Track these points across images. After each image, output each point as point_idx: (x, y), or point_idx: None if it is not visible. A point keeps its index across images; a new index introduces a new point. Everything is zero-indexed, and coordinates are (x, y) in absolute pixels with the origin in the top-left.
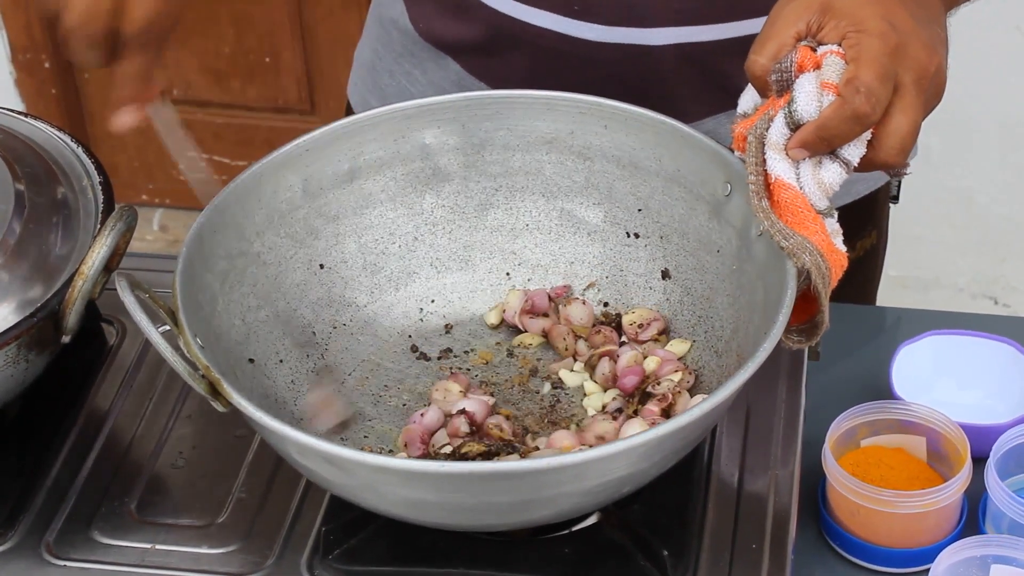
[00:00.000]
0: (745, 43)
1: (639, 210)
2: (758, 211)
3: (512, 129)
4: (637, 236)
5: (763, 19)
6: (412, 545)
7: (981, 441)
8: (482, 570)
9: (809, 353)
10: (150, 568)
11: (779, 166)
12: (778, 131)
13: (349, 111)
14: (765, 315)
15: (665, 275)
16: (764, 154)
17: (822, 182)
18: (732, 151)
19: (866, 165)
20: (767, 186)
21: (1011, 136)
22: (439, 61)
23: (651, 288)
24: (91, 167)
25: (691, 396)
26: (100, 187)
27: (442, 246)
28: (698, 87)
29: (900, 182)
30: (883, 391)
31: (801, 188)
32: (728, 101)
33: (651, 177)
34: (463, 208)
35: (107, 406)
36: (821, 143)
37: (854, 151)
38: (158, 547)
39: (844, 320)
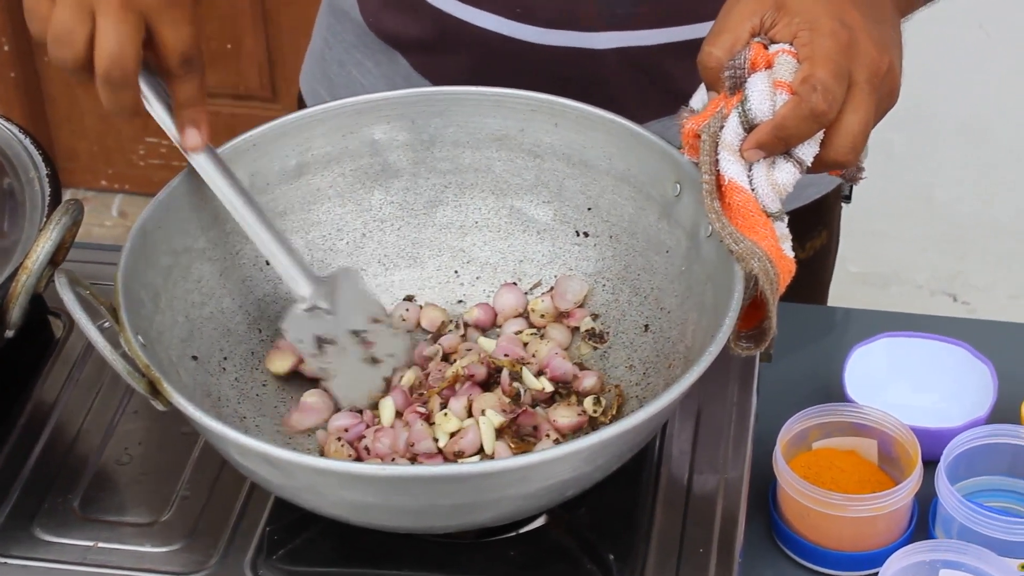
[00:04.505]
0: (689, 47)
1: (589, 209)
2: (710, 212)
3: (462, 126)
4: (587, 235)
5: (706, 24)
6: (357, 546)
7: (933, 444)
8: (427, 572)
9: (761, 354)
10: (92, 566)
11: (732, 168)
12: (732, 131)
13: (301, 99)
14: (713, 317)
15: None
16: (718, 154)
17: (776, 183)
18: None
19: (817, 164)
20: (719, 187)
21: (973, 133)
22: (389, 55)
23: (600, 287)
24: (39, 158)
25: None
26: (48, 179)
27: (390, 243)
28: (642, 90)
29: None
30: (836, 393)
31: (754, 190)
32: (674, 104)
33: (601, 176)
34: (412, 205)
35: (52, 400)
36: (778, 143)
37: (808, 150)
38: (101, 545)
39: (797, 320)
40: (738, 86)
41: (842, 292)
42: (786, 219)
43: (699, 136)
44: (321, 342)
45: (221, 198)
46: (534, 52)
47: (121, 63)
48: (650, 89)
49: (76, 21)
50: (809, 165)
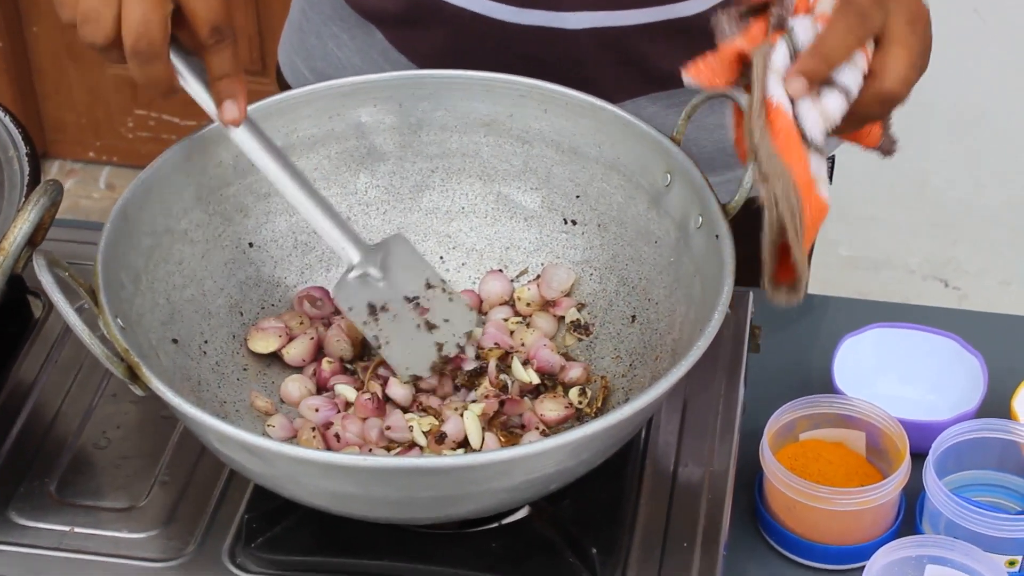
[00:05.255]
0: (664, 27)
1: (577, 196)
2: (755, 127)
3: (450, 110)
4: (574, 223)
5: (682, 4)
6: (337, 535)
7: (921, 437)
8: (408, 562)
9: (749, 344)
10: (68, 552)
11: (779, 90)
12: (781, 57)
13: (279, 71)
14: (702, 310)
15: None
16: (767, 78)
17: (824, 109)
18: (673, 140)
19: (871, 97)
20: (766, 108)
21: (967, 119)
22: (365, 28)
23: (588, 276)
24: (18, 137)
25: (613, 395)
26: (27, 158)
27: (376, 227)
28: (616, 70)
29: (833, 166)
30: (824, 384)
31: (802, 119)
32: (647, 84)
33: (590, 164)
34: (398, 189)
35: (30, 381)
36: (819, 63)
37: (850, 77)
38: (77, 530)
39: (786, 310)
40: (781, 25)
41: (833, 276)
42: (825, 160)
43: (740, 57)
44: (373, 309)
45: (263, 171)
46: (509, 31)
47: (147, 35)
48: (624, 70)
49: (102, 1)
50: (856, 95)
